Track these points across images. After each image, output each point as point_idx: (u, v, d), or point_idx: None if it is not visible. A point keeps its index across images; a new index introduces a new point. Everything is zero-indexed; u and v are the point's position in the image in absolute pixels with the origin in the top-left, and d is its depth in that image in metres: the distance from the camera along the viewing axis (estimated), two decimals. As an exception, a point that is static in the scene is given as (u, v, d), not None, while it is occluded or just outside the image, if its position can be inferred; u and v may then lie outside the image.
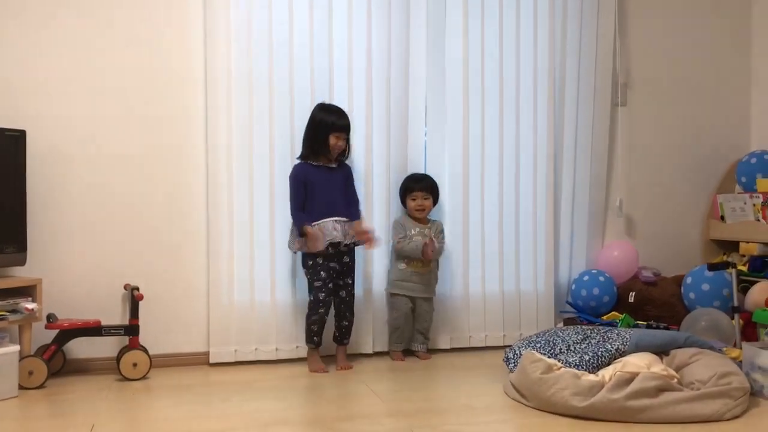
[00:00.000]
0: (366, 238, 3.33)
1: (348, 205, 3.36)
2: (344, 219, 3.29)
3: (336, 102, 3.47)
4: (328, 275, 3.28)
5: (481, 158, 3.76)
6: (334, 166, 3.34)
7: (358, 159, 3.55)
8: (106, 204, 3.30)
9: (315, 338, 3.30)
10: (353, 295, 3.39)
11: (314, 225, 3.21)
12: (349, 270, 3.36)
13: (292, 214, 3.30)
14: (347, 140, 3.37)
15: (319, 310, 3.27)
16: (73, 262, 3.25)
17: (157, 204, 3.36)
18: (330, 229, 3.23)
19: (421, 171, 3.67)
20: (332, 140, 3.28)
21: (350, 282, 3.37)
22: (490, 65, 3.76)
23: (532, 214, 3.84)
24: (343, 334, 3.38)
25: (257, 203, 3.39)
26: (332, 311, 3.38)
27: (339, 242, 3.25)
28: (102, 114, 3.30)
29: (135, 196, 3.33)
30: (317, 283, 3.26)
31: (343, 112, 3.35)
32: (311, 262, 3.27)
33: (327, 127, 3.28)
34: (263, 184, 3.40)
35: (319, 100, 3.42)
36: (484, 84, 3.75)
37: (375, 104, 3.58)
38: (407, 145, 3.67)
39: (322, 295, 3.26)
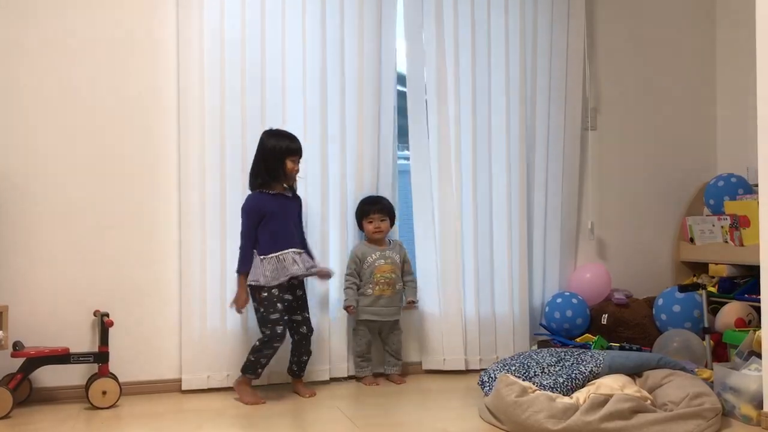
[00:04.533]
0: (326, 275, 3.39)
1: (301, 235, 3.32)
2: (302, 250, 3.24)
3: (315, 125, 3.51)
4: (284, 307, 3.17)
5: (454, 182, 3.77)
6: (290, 195, 3.28)
7: (333, 181, 3.57)
8: (75, 228, 3.25)
9: (259, 370, 3.17)
10: (312, 327, 3.30)
11: (274, 256, 3.13)
12: (304, 302, 3.29)
13: (241, 248, 3.17)
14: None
15: (275, 344, 3.13)
16: (40, 288, 3.19)
17: (128, 228, 3.32)
18: (290, 261, 3.15)
19: (396, 194, 3.69)
20: (289, 164, 3.19)
21: (307, 315, 3.29)
22: (463, 91, 3.80)
23: (506, 238, 3.85)
24: (301, 369, 3.30)
25: (229, 229, 3.35)
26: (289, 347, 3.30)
27: (300, 275, 3.20)
28: (69, 135, 3.26)
29: (104, 219, 3.29)
30: (274, 316, 3.12)
31: (294, 135, 3.28)
32: (265, 294, 3.13)
33: (282, 152, 3.19)
34: (235, 209, 3.32)
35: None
36: (455, 108, 3.78)
37: (348, 129, 3.61)
38: (379, 167, 3.67)
39: (280, 329, 3.12)
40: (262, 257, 3.14)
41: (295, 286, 3.25)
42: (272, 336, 3.12)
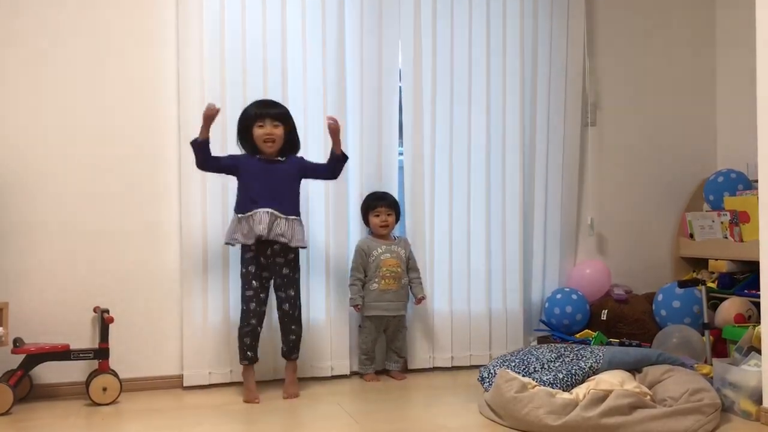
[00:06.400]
0: (333, 131, 3.16)
1: (288, 199, 3.14)
2: (277, 213, 3.07)
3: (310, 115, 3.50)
4: (259, 284, 3.14)
5: (451, 178, 3.78)
6: (281, 158, 3.18)
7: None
8: (75, 225, 3.25)
9: (248, 353, 3.13)
10: (298, 307, 3.21)
11: (250, 215, 3.05)
12: (290, 282, 3.19)
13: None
14: (287, 130, 3.16)
15: (250, 321, 3.11)
16: (40, 284, 3.19)
17: (128, 224, 3.31)
18: (257, 220, 3.04)
19: (396, 189, 3.68)
20: (256, 131, 3.10)
21: (293, 294, 3.19)
22: (460, 87, 3.80)
23: (504, 234, 3.85)
24: (290, 349, 3.22)
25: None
26: (278, 326, 3.27)
27: (261, 234, 3.03)
28: (70, 131, 3.25)
29: (105, 216, 3.29)
30: (248, 293, 3.12)
31: (271, 101, 3.20)
32: (244, 271, 3.14)
33: (249, 119, 3.12)
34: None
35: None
36: (453, 103, 3.78)
37: (350, 123, 3.61)
38: (381, 164, 3.67)
39: (252, 305, 3.11)
40: (239, 216, 3.10)
41: (281, 265, 3.18)
42: (245, 313, 3.13)
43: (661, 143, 4.31)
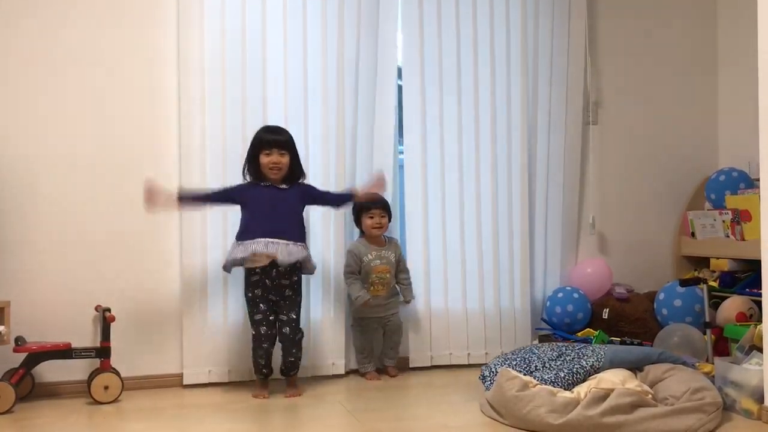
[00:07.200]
0: (378, 187, 3.28)
1: (293, 228, 3.15)
2: (284, 241, 3.08)
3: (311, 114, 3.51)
4: (267, 307, 3.14)
5: (457, 178, 3.78)
6: (284, 186, 3.19)
7: (326, 177, 3.56)
8: (76, 223, 3.25)
9: (264, 371, 3.17)
10: (299, 331, 3.19)
11: (248, 243, 3.05)
12: (292, 304, 3.17)
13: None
14: (292, 159, 3.18)
15: (263, 345, 3.12)
16: (42, 283, 3.19)
17: (129, 223, 3.31)
18: (261, 247, 3.04)
19: (397, 191, 3.69)
20: (263, 159, 3.13)
21: (294, 317, 3.16)
22: (464, 84, 3.80)
23: (507, 233, 3.85)
24: (288, 368, 3.21)
25: (230, 225, 3.33)
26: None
27: (267, 265, 3.07)
28: (71, 130, 3.26)
29: (106, 215, 3.29)
30: (257, 317, 3.13)
31: (278, 128, 3.22)
32: (250, 294, 3.15)
33: (256, 146, 3.15)
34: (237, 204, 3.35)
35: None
36: (458, 102, 3.78)
37: (348, 120, 3.61)
38: (374, 164, 3.66)
39: (263, 329, 3.12)
40: (238, 243, 3.11)
41: (284, 286, 3.17)
42: (256, 337, 3.14)
43: (662, 142, 4.30)
